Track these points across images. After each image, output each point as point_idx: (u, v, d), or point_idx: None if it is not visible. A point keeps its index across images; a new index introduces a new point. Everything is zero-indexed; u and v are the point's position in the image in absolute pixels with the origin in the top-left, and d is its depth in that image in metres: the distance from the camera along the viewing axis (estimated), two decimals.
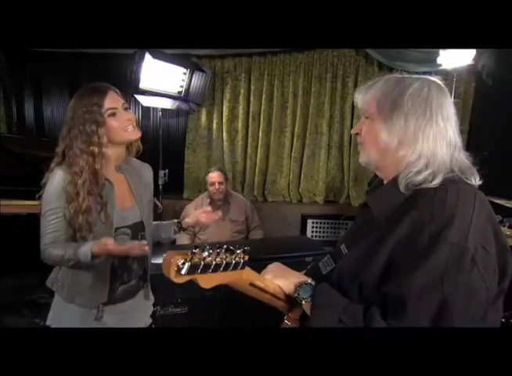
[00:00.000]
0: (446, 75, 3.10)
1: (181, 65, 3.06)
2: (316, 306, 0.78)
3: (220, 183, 2.76)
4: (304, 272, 0.99)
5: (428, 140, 0.78)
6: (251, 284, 0.81)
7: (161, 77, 2.98)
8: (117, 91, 1.26)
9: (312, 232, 3.46)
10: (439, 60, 2.89)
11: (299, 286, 0.82)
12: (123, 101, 1.25)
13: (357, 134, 0.89)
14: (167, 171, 3.00)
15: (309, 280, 0.83)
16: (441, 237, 0.68)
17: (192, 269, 0.65)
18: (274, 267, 0.90)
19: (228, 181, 2.95)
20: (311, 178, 3.49)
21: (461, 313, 0.66)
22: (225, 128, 3.39)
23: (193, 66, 3.13)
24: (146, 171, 1.41)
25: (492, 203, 0.82)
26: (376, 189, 0.92)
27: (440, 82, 0.83)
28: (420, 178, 0.76)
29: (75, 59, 3.21)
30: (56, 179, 1.18)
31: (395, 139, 0.80)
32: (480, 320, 0.69)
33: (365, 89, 0.87)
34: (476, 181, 0.78)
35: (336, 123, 3.37)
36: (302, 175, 3.48)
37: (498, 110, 2.88)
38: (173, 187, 3.24)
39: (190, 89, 3.18)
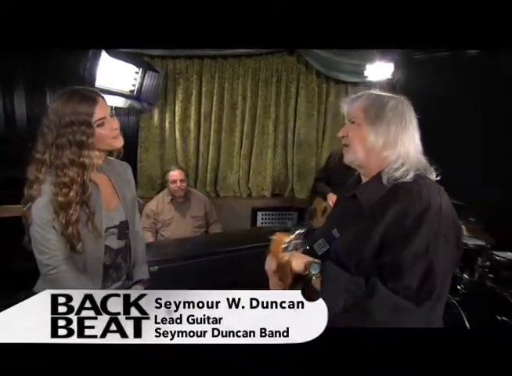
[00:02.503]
0: (370, 86, 3.53)
1: (133, 64, 2.93)
2: (326, 280, 0.88)
3: (181, 181, 2.75)
4: None
5: (403, 144, 0.95)
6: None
7: (114, 76, 2.84)
8: (104, 97, 1.20)
9: (262, 223, 3.63)
10: (366, 73, 3.26)
11: (308, 264, 0.91)
12: (109, 108, 1.20)
13: (343, 137, 1.03)
14: None
15: (316, 260, 0.93)
16: (422, 219, 0.84)
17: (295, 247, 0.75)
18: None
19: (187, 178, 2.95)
20: (259, 174, 3.63)
21: (441, 272, 0.84)
22: (177, 128, 3.34)
23: (146, 66, 3.03)
24: (127, 169, 1.37)
25: None
26: (355, 184, 1.07)
27: (407, 101, 1.02)
28: (398, 174, 0.92)
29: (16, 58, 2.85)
30: (46, 190, 1.10)
31: (380, 141, 0.95)
32: (449, 277, 0.90)
33: (351, 101, 1.03)
34: (434, 177, 0.97)
35: (281, 124, 3.55)
36: (251, 172, 3.61)
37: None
38: None
39: (143, 88, 3.07)
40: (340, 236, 0.98)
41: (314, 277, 0.90)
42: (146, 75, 3.04)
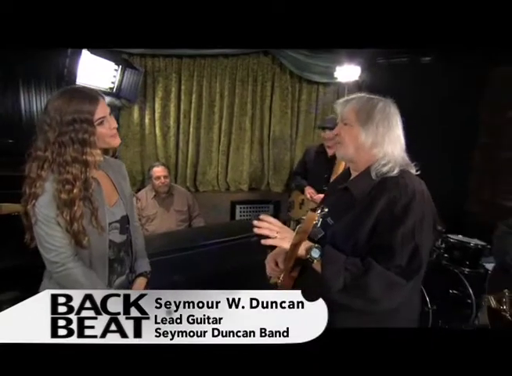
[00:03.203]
0: (338, 87, 3.74)
1: (113, 61, 2.91)
2: (327, 262, 0.95)
3: (165, 177, 2.80)
4: None
5: (390, 143, 1.05)
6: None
7: (94, 73, 2.81)
8: (104, 96, 1.22)
9: (240, 216, 3.75)
10: (336, 74, 3.45)
11: (309, 249, 0.97)
12: (108, 108, 1.21)
13: (336, 135, 1.12)
14: None
15: (316, 245, 0.99)
16: (409, 207, 0.96)
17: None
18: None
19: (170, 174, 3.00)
20: (237, 169, 3.75)
21: (425, 250, 0.97)
22: (157, 125, 3.37)
23: (125, 63, 3.02)
24: (121, 166, 1.38)
25: None
26: (346, 178, 1.16)
27: (393, 103, 1.10)
28: (385, 169, 1.02)
29: None
30: (49, 187, 1.09)
31: (369, 140, 1.04)
32: (428, 254, 1.04)
33: (344, 103, 1.11)
34: (415, 172, 1.08)
35: (257, 121, 3.68)
36: (229, 167, 3.71)
37: None
38: None
39: (122, 86, 3.06)
40: (335, 223, 1.06)
41: (315, 260, 0.95)
42: (126, 72, 3.03)
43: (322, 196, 2.57)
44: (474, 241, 2.48)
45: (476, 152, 3.61)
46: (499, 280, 1.45)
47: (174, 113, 3.40)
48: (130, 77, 3.05)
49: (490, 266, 2.39)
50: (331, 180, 2.67)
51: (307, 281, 1.02)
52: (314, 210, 0.84)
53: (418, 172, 1.09)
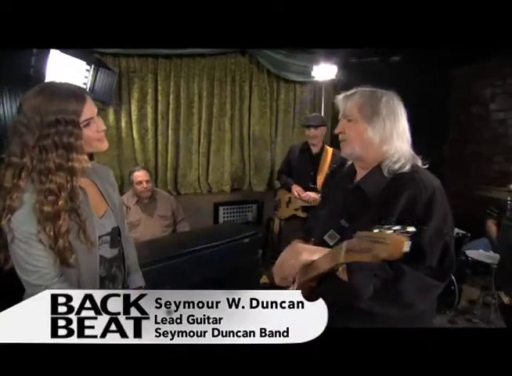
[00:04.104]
0: (315, 86, 3.72)
1: (84, 60, 2.69)
2: (354, 270, 0.84)
3: (147, 182, 2.63)
4: None
5: (398, 137, 0.98)
6: None
7: (63, 72, 2.57)
8: (89, 94, 1.07)
9: (224, 217, 3.64)
10: (313, 73, 3.43)
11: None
12: (96, 108, 1.06)
13: (340, 132, 1.03)
14: None
15: None
16: (432, 205, 0.89)
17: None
18: (300, 247, 0.96)
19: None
20: (218, 170, 3.63)
21: (452, 248, 0.91)
22: (134, 127, 3.18)
23: (98, 63, 2.80)
24: (109, 172, 1.24)
25: None
26: (351, 176, 1.09)
27: (397, 96, 1.02)
28: (397, 166, 0.96)
29: None
30: (28, 199, 0.93)
31: (377, 137, 0.97)
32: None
33: (346, 99, 1.03)
34: (422, 165, 1.01)
35: (236, 121, 3.59)
36: (210, 168, 3.59)
37: None
38: None
39: (95, 86, 2.84)
40: (351, 225, 0.97)
41: (340, 268, 0.84)
42: (99, 73, 2.82)
43: (310, 193, 2.57)
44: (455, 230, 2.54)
45: (446, 147, 3.74)
46: (506, 276, 1.44)
47: (152, 115, 3.22)
48: (103, 77, 2.84)
49: (471, 254, 2.46)
50: (318, 178, 2.65)
51: (329, 290, 0.93)
52: (388, 229, 0.66)
53: (426, 166, 1.03)
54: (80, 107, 0.95)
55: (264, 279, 2.93)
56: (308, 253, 0.92)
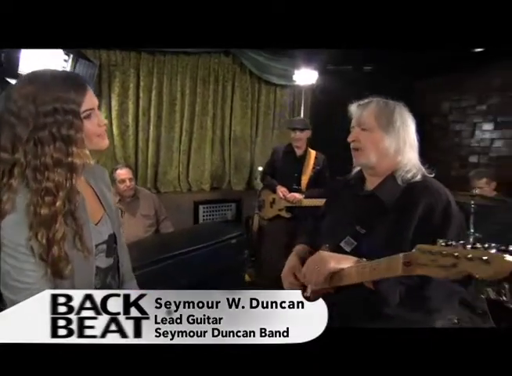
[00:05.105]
0: (295, 89, 3.75)
1: (62, 50, 2.48)
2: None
3: (130, 180, 2.50)
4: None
5: (411, 148, 0.99)
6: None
7: (38, 62, 2.35)
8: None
9: (204, 216, 3.56)
10: (294, 77, 3.45)
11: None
12: (97, 100, 0.94)
13: (353, 141, 1.03)
14: None
15: (363, 259, 0.88)
16: (449, 213, 0.90)
17: None
18: (327, 255, 0.94)
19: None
20: (198, 168, 3.55)
21: None
22: (114, 123, 3.01)
23: (77, 53, 2.59)
24: (104, 172, 1.10)
25: None
26: (360, 183, 1.09)
27: (405, 106, 1.03)
28: (410, 175, 0.97)
29: None
30: (20, 201, 0.79)
31: (393, 146, 0.98)
32: None
33: (361, 108, 1.03)
34: (428, 173, 1.02)
35: (218, 120, 3.52)
36: (190, 166, 3.51)
37: (328, 118, 3.64)
38: None
39: None
40: (368, 232, 0.97)
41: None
42: (78, 64, 2.62)
43: (295, 194, 2.59)
44: None
45: None
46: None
47: (133, 111, 3.07)
48: (83, 69, 2.64)
49: None
50: (302, 179, 2.68)
51: (355, 298, 0.92)
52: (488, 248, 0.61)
53: (433, 174, 1.04)
54: (81, 96, 0.82)
55: (246, 277, 2.92)
56: (336, 261, 0.92)
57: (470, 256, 0.63)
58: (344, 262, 0.91)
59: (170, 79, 3.18)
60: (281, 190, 2.62)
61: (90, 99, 0.85)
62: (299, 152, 2.70)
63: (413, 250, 0.71)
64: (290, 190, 2.63)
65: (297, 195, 2.59)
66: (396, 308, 0.86)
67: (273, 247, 2.80)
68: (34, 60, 2.32)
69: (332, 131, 3.19)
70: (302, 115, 3.75)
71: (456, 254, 0.65)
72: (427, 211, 0.91)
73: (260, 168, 3.21)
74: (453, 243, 0.67)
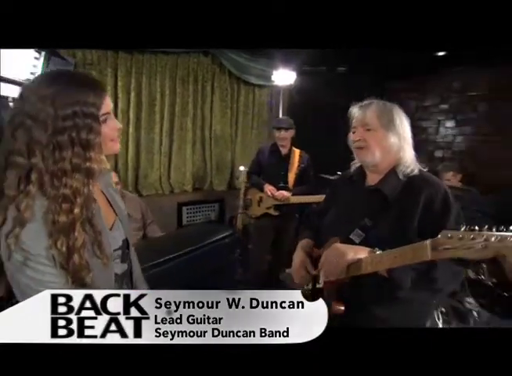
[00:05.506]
0: (272, 89, 3.79)
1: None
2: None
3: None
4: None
5: (408, 145, 1.07)
6: None
7: (6, 60, 2.17)
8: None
9: (187, 217, 3.50)
10: (273, 78, 3.49)
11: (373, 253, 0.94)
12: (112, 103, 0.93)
13: (358, 140, 1.08)
14: None
15: (376, 248, 0.94)
16: (448, 201, 0.98)
17: None
18: (345, 247, 0.99)
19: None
20: (180, 169, 3.48)
21: None
22: None
23: (49, 52, 2.42)
24: (110, 175, 1.07)
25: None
26: (361, 177, 1.15)
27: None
28: (409, 170, 1.05)
29: None
30: (38, 209, 0.75)
31: (396, 144, 1.05)
32: None
33: (363, 109, 1.09)
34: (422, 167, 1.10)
35: (198, 121, 3.47)
36: (172, 168, 3.42)
37: (305, 117, 3.72)
38: None
39: None
40: (375, 224, 1.03)
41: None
42: (51, 62, 2.45)
43: (283, 192, 2.62)
44: None
45: None
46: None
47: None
48: (56, 67, 2.47)
49: None
50: (289, 176, 2.72)
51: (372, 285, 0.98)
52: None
53: (426, 169, 1.13)
54: (100, 99, 0.79)
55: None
56: (353, 252, 0.97)
57: (499, 238, 0.69)
58: (360, 253, 0.97)
59: (149, 79, 3.07)
60: (269, 189, 2.65)
61: (107, 102, 0.83)
62: (284, 151, 2.75)
63: (438, 236, 0.77)
64: (277, 188, 2.67)
65: (285, 193, 2.63)
66: (408, 291, 0.92)
67: (262, 244, 2.83)
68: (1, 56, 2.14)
69: (308, 131, 3.29)
70: (280, 115, 3.81)
71: (484, 236, 0.71)
72: (428, 202, 0.99)
73: (241, 168, 3.23)
74: (476, 227, 0.73)
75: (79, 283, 0.79)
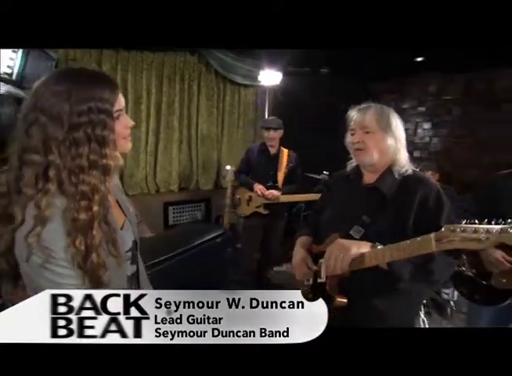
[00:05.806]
0: (258, 89, 3.80)
1: None
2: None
3: None
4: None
5: (403, 146, 1.12)
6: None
7: None
8: None
9: (174, 217, 3.45)
10: (259, 78, 3.50)
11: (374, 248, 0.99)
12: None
13: (358, 142, 1.12)
14: None
15: (376, 243, 0.99)
16: (441, 198, 1.04)
17: None
18: (348, 242, 1.03)
19: None
20: (165, 169, 3.42)
21: None
22: None
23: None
24: (117, 177, 1.06)
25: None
26: (358, 177, 1.19)
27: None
28: (403, 170, 1.10)
29: None
30: (57, 207, 0.73)
31: (393, 145, 1.10)
32: None
33: (362, 112, 1.13)
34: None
35: (185, 120, 3.42)
36: (158, 167, 3.36)
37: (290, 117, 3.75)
38: None
39: (25, 72, 2.32)
40: (374, 220, 1.07)
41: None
42: (30, 56, 2.32)
43: (273, 191, 2.64)
44: None
45: None
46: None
47: None
48: (37, 62, 2.35)
49: None
50: (278, 176, 2.74)
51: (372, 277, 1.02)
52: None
53: (418, 168, 1.19)
54: (114, 95, 0.77)
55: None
56: (357, 247, 1.01)
57: (500, 229, 0.77)
58: (363, 248, 1.01)
59: (134, 76, 2.99)
60: (258, 188, 2.66)
61: (120, 99, 0.81)
62: (273, 150, 2.77)
63: (442, 229, 0.83)
64: (266, 188, 2.69)
65: (276, 192, 2.65)
66: (408, 282, 0.98)
67: (251, 243, 2.84)
68: None
69: (294, 131, 3.34)
70: (266, 115, 3.83)
71: (486, 228, 0.78)
72: (423, 199, 1.04)
73: (228, 167, 3.22)
74: (476, 221, 0.80)
75: (95, 283, 0.77)
